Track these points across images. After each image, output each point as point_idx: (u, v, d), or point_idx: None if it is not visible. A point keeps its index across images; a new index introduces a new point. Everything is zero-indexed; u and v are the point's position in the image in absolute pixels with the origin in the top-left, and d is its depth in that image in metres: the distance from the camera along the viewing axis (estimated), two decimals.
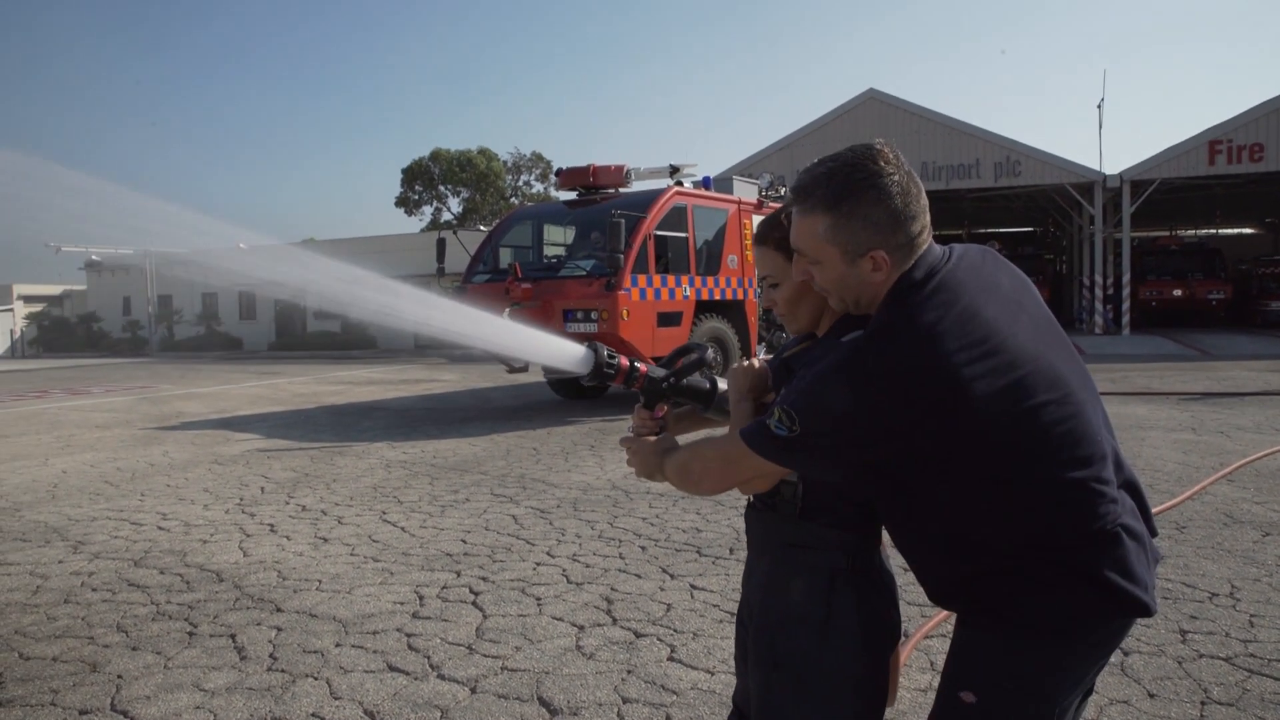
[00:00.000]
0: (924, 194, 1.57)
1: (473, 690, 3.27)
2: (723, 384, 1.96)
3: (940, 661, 3.38)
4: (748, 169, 25.80)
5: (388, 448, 9.09)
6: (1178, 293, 28.26)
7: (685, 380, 1.92)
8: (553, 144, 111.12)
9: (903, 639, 3.51)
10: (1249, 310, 28.31)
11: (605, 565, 4.81)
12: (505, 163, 47.70)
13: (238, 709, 3.16)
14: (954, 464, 1.50)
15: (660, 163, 12.72)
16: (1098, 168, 26.16)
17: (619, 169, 12.47)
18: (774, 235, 1.76)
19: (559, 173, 12.87)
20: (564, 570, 4.74)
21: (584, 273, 11.04)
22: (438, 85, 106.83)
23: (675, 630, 3.82)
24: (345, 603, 4.29)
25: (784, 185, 14.33)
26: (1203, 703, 3.01)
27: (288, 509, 6.37)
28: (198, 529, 5.82)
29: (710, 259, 12.15)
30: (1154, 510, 5.69)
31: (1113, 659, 3.32)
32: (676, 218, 11.60)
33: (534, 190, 47.92)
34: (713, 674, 3.36)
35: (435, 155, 46.69)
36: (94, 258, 38.95)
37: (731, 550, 5.01)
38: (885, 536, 1.81)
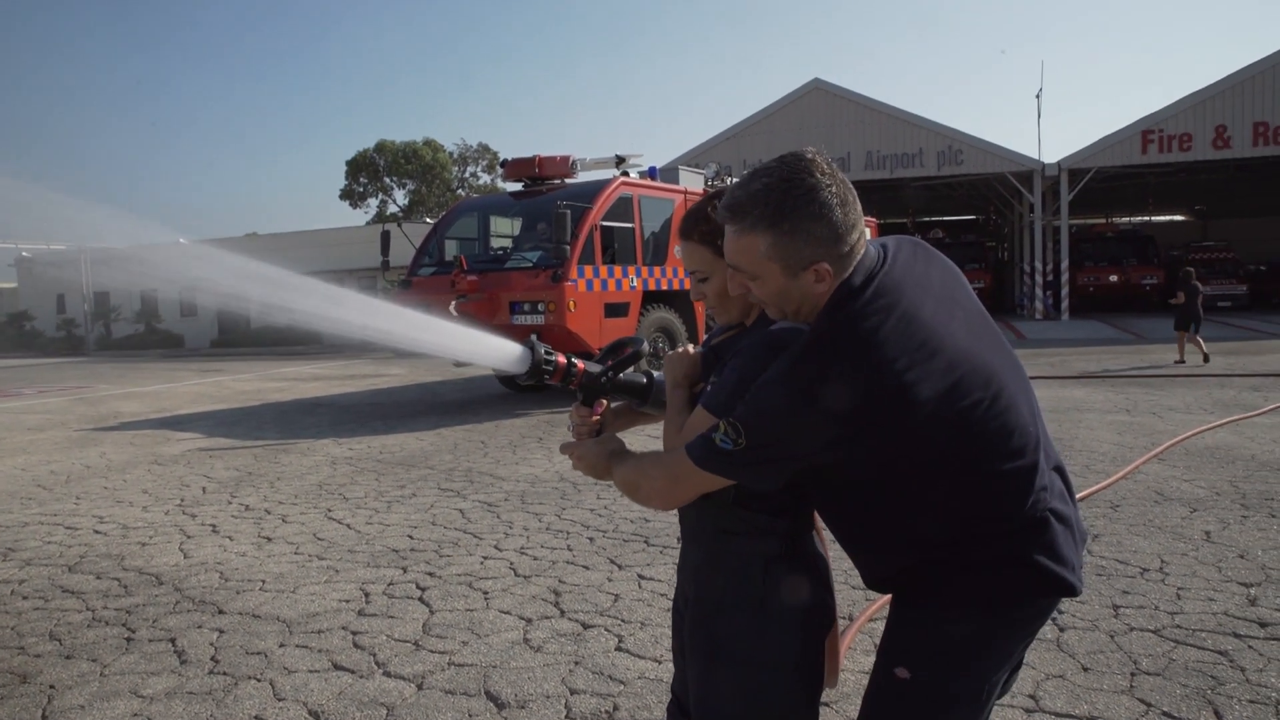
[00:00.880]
0: (857, 199, 1.56)
1: (419, 687, 3.26)
2: (659, 376, 1.96)
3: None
4: (694, 159, 25.88)
5: (333, 444, 8.97)
6: (1114, 278, 29.09)
7: (621, 375, 1.92)
8: (499, 135, 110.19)
9: (846, 622, 3.59)
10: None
11: (553, 558, 4.81)
12: (451, 154, 47.19)
13: (177, 714, 3.10)
14: (894, 463, 1.52)
15: (607, 153, 12.69)
16: (1037, 157, 26.74)
17: (565, 160, 12.42)
18: (699, 229, 1.75)
19: (505, 164, 12.78)
20: (511, 564, 4.73)
21: (530, 264, 10.99)
22: (383, 76, 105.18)
23: (623, 620, 3.84)
24: (289, 602, 4.24)
25: (730, 175, 14.39)
26: (1132, 674, 3.12)
27: (230, 509, 6.26)
28: (136, 531, 5.69)
29: (657, 249, 12.18)
30: (1090, 490, 5.87)
31: (1048, 635, 3.43)
32: (623, 208, 11.60)
33: (480, 182, 47.50)
34: (660, 663, 3.38)
35: (380, 147, 46.02)
36: (24, 254, 37.71)
37: (679, 539, 5.03)
38: (818, 520, 1.85)
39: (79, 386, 17.54)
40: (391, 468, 7.56)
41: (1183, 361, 13.94)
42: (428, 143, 45.91)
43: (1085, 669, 3.17)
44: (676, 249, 12.37)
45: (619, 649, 3.53)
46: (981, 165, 26.94)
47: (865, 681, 3.09)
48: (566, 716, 2.99)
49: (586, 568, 4.61)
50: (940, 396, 1.46)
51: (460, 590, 4.32)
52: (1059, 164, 26.22)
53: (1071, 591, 1.60)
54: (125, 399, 14.55)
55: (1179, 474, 6.19)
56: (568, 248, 10.34)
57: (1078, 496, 1.91)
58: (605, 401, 1.93)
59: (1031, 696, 2.98)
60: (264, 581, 4.58)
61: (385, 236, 12.81)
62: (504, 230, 12.92)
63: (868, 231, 1.63)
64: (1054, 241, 27.94)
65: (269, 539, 5.41)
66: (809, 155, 1.53)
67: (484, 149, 47.87)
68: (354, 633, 3.81)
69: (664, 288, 12.08)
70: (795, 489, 1.71)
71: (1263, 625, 3.52)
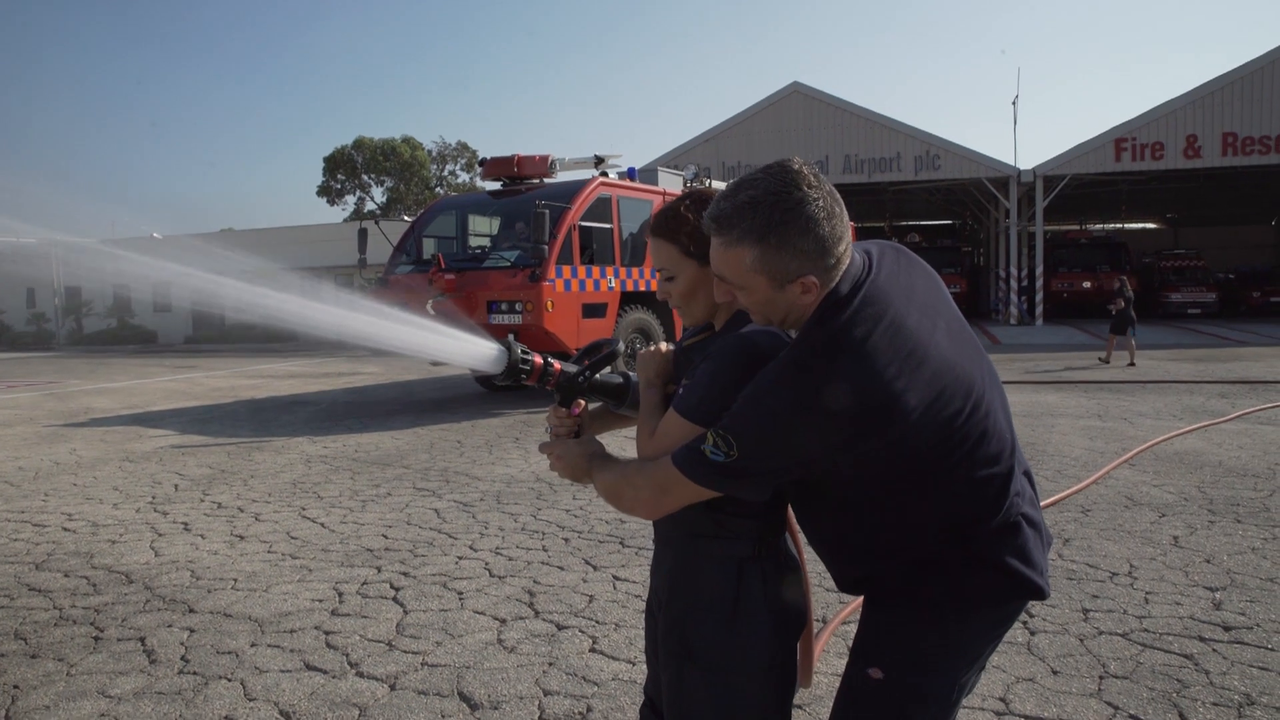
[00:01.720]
0: (844, 208, 1.55)
1: (392, 687, 3.24)
2: (634, 378, 1.96)
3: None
4: (673, 161, 25.94)
5: (308, 442, 8.90)
6: (1087, 284, 29.40)
7: (598, 376, 1.92)
8: (478, 134, 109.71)
9: (820, 624, 3.60)
10: (1151, 302, 29.59)
11: (528, 558, 4.80)
12: (430, 152, 46.97)
13: (146, 715, 3.07)
14: (876, 470, 1.53)
15: (586, 154, 12.68)
16: (1013, 163, 27.04)
17: (544, 159, 12.41)
18: (668, 228, 1.75)
19: (483, 163, 12.75)
20: (486, 564, 4.72)
21: (508, 264, 10.97)
22: (362, 72, 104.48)
23: (597, 622, 3.84)
24: (261, 601, 4.20)
25: (709, 177, 14.43)
26: (1101, 677, 3.16)
27: (202, 507, 6.20)
28: (106, 529, 5.62)
29: (635, 250, 12.19)
30: (1062, 495, 5.94)
31: (1019, 638, 3.47)
32: (601, 208, 11.60)
33: (459, 180, 47.32)
34: (634, 664, 3.38)
35: (359, 144, 45.73)
36: None
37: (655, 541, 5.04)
38: (792, 521, 1.87)
39: (49, 382, 17.30)
40: (367, 467, 7.52)
41: (1107, 361, 14.99)
42: (406, 140, 45.69)
43: (1055, 672, 3.21)
44: None
45: (593, 650, 3.54)
46: (958, 171, 27.18)
47: (838, 683, 3.12)
48: (540, 718, 2.99)
49: (561, 568, 4.61)
50: (925, 406, 1.47)
51: (435, 590, 4.31)
52: (1034, 170, 26.51)
53: (1040, 595, 1.63)
54: (96, 395, 14.36)
55: (1149, 479, 6.28)
56: (546, 247, 10.33)
57: (1051, 501, 1.96)
58: (583, 402, 1.93)
59: (1002, 699, 3.01)
60: (236, 580, 4.54)
61: (363, 234, 12.73)
62: (482, 229, 12.88)
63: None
64: (1029, 247, 28.25)
65: (241, 537, 5.36)
66: (795, 167, 1.51)
67: (463, 147, 47.70)
68: (327, 632, 3.79)
69: (642, 289, 12.09)
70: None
71: (1227, 629, 3.57)
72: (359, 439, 9.05)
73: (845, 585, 1.78)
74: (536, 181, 12.37)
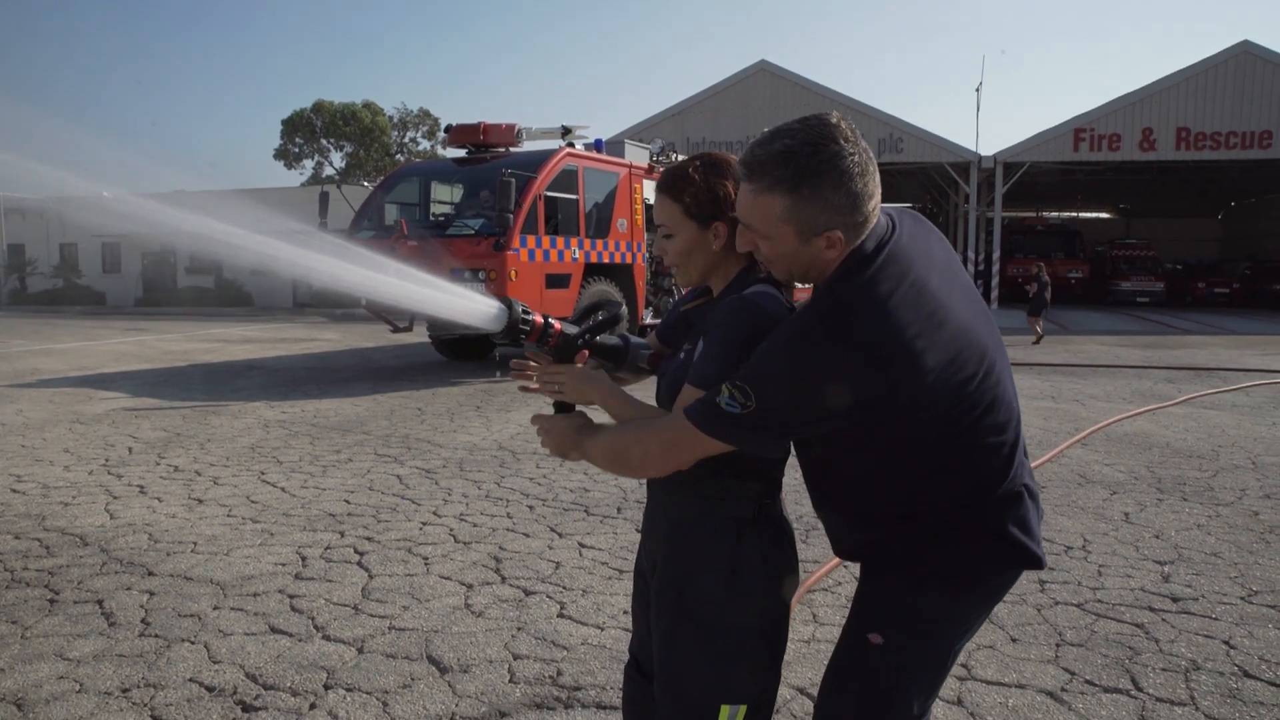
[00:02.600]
0: (876, 167, 1.53)
1: (360, 650, 3.23)
2: (636, 340, 1.95)
3: (823, 614, 3.54)
4: (640, 134, 25.76)
5: (265, 407, 8.78)
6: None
7: (599, 338, 1.90)
8: (441, 102, 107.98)
9: None
10: (1103, 289, 30.26)
11: (493, 525, 4.80)
12: (391, 118, 46.13)
13: (107, 677, 3.02)
14: (890, 431, 1.54)
15: (553, 124, 12.56)
16: (974, 149, 27.32)
17: (510, 128, 12.27)
18: (674, 186, 1.75)
19: (449, 129, 12.56)
20: (451, 530, 4.71)
21: (472, 232, 10.86)
22: (322, 32, 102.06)
23: (564, 588, 3.86)
24: (223, 565, 4.15)
25: (675, 151, 14.38)
26: (1058, 645, 3.25)
27: (158, 470, 6.09)
28: (58, 491, 5.50)
29: (600, 222, 12.13)
30: None
31: None
32: (567, 179, 11.52)
33: (421, 148, 46.56)
34: (603, 629, 3.41)
35: (318, 107, 44.70)
36: None
37: (619, 509, 5.07)
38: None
39: None
40: (326, 432, 7.44)
41: (1037, 343, 15.95)
42: (367, 105, 44.78)
43: (1014, 640, 3.30)
44: (620, 222, 12.36)
45: (561, 615, 3.55)
46: (921, 154, 27.41)
47: (804, 650, 3.18)
48: (510, 680, 3.00)
49: (527, 535, 4.61)
50: (942, 368, 1.48)
51: (399, 555, 4.29)
52: (995, 157, 26.85)
53: (1038, 564, 1.66)
54: (43, 356, 13.99)
55: (1100, 458, 6.45)
56: (511, 216, 10.24)
57: None
58: (586, 352, 1.90)
59: (964, 665, 3.08)
60: (195, 544, 4.47)
61: (324, 198, 12.49)
62: (446, 197, 12.72)
63: None
64: (986, 232, 28.65)
65: (200, 501, 5.28)
66: (834, 120, 1.50)
67: (425, 114, 46.89)
68: (291, 596, 3.75)
69: (605, 260, 12.06)
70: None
71: (1175, 600, 3.70)
72: (318, 405, 8.94)
73: (845, 551, 1.80)
74: (502, 150, 12.23)
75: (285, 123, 45.49)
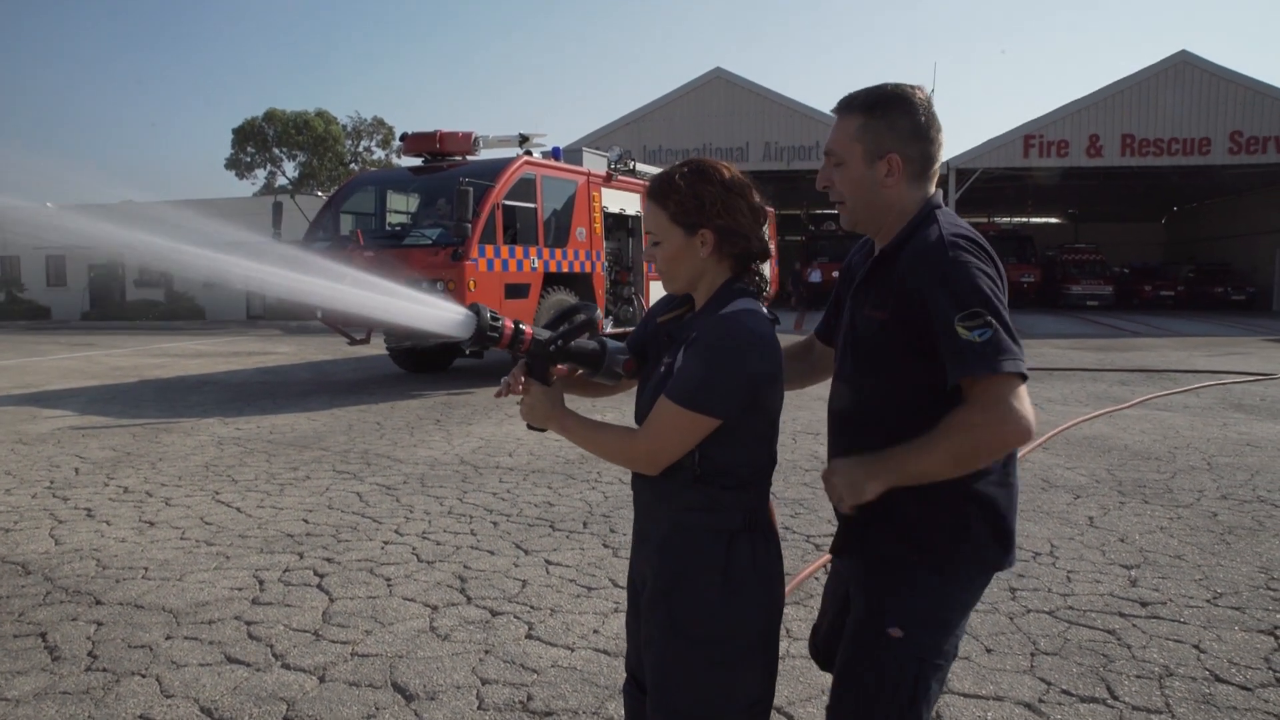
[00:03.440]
0: (943, 139, 1.78)
1: (321, 679, 3.11)
2: (613, 345, 1.89)
3: (796, 629, 3.48)
4: (595, 141, 25.74)
5: (219, 424, 8.54)
6: None
7: (574, 343, 1.83)
8: (396, 111, 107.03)
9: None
10: (1054, 293, 30.84)
11: (457, 542, 4.69)
12: (345, 127, 45.58)
13: (49, 717, 2.87)
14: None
15: (511, 132, 12.46)
16: None
17: (467, 136, 12.15)
18: (660, 192, 1.73)
19: (404, 137, 12.40)
20: (414, 549, 4.59)
21: (429, 241, 10.71)
22: (273, 39, 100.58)
23: (532, 607, 3.76)
24: (176, 591, 3.99)
25: (633, 159, 14.35)
26: (1032, 654, 3.24)
27: (107, 491, 5.87)
28: None
29: (559, 230, 12.04)
30: None
31: None
32: (525, 188, 11.41)
33: (375, 157, 46.05)
34: (573, 650, 3.32)
35: (270, 116, 44.02)
36: None
37: (585, 524, 4.99)
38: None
39: None
40: (283, 449, 7.25)
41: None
42: (320, 114, 44.20)
43: (989, 650, 3.28)
44: (579, 231, 12.28)
45: (529, 636, 3.46)
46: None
47: (782, 666, 3.12)
48: (479, 707, 2.90)
49: (492, 553, 4.51)
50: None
51: (361, 577, 4.16)
52: (948, 163, 27.17)
53: (1009, 564, 1.78)
54: None
55: (1062, 462, 6.51)
56: (469, 226, 10.11)
57: None
58: (562, 367, 1.85)
59: None
60: (147, 569, 4.30)
61: (277, 208, 12.25)
62: (402, 206, 12.54)
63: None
64: None
65: (151, 523, 5.10)
66: (918, 86, 1.77)
67: (379, 123, 46.42)
68: (248, 623, 3.61)
69: (565, 270, 11.96)
70: (756, 463, 1.72)
71: (1144, 605, 3.71)
72: (273, 420, 8.72)
73: (856, 541, 1.79)
74: (459, 159, 12.10)
75: (236, 132, 44.74)
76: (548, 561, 4.37)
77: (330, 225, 11.99)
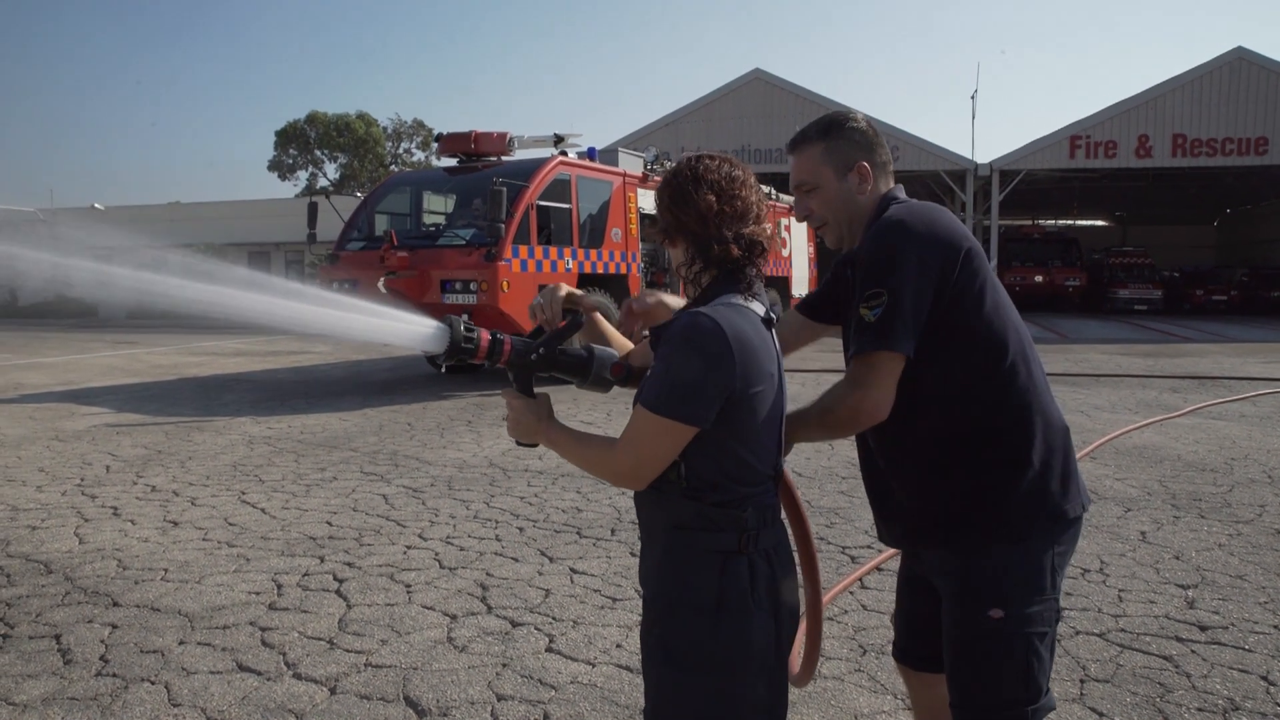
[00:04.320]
0: (883, 141, 1.94)
1: (331, 691, 3.00)
2: (601, 351, 1.77)
3: (863, 639, 3.31)
4: (633, 143, 25.63)
5: (251, 422, 8.54)
6: (1039, 279, 29.78)
7: (558, 349, 1.71)
8: (435, 113, 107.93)
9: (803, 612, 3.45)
10: (1100, 297, 30.10)
11: (481, 548, 4.57)
12: (385, 129, 45.97)
13: None
14: (982, 329, 1.76)
15: (545, 132, 12.38)
16: (970, 157, 27.18)
17: (502, 136, 12.08)
18: (655, 206, 1.73)
19: (439, 138, 12.38)
20: (436, 554, 4.48)
21: (463, 242, 10.65)
22: (315, 43, 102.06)
23: (554, 618, 3.63)
24: (193, 594, 3.92)
25: (669, 160, 14.18)
26: (1082, 680, 3.03)
27: (135, 490, 5.85)
28: (27, 514, 5.26)
29: (594, 231, 11.93)
30: None
31: None
32: (560, 188, 11.32)
33: (415, 158, 46.39)
34: (594, 665, 3.18)
35: (312, 118, 44.54)
36: None
37: (613, 531, 4.85)
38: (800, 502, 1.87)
39: None
40: (312, 449, 7.20)
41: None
42: (361, 116, 44.63)
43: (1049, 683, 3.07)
44: (614, 232, 12.16)
45: (549, 650, 3.33)
46: (917, 163, 27.24)
47: (841, 669, 2.94)
48: None
49: (516, 560, 4.39)
50: (988, 283, 1.80)
51: (381, 583, 4.06)
52: (991, 165, 26.69)
53: (1083, 503, 1.87)
54: (28, 370, 13.74)
55: (1111, 473, 6.24)
56: (503, 226, 10.03)
57: None
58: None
59: None
60: (166, 570, 4.24)
61: (312, 208, 12.30)
62: (437, 207, 12.52)
63: None
64: (983, 241, 28.46)
65: (175, 523, 5.05)
66: (852, 111, 1.93)
67: (419, 125, 46.76)
68: (263, 629, 3.52)
69: (600, 271, 11.84)
70: (753, 476, 1.59)
71: (1203, 629, 3.48)
72: (305, 420, 8.71)
73: (917, 529, 1.87)
74: (494, 159, 12.05)
75: (279, 134, 45.31)
76: (573, 570, 4.24)
77: (365, 226, 11.99)
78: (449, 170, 12.38)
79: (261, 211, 35.84)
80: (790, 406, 1.76)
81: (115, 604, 3.80)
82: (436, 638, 3.43)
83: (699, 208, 1.62)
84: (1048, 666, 1.79)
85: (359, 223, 12.04)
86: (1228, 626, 3.50)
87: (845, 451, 6.91)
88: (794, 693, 2.92)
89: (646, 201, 12.87)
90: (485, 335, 1.68)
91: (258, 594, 3.92)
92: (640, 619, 3.26)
